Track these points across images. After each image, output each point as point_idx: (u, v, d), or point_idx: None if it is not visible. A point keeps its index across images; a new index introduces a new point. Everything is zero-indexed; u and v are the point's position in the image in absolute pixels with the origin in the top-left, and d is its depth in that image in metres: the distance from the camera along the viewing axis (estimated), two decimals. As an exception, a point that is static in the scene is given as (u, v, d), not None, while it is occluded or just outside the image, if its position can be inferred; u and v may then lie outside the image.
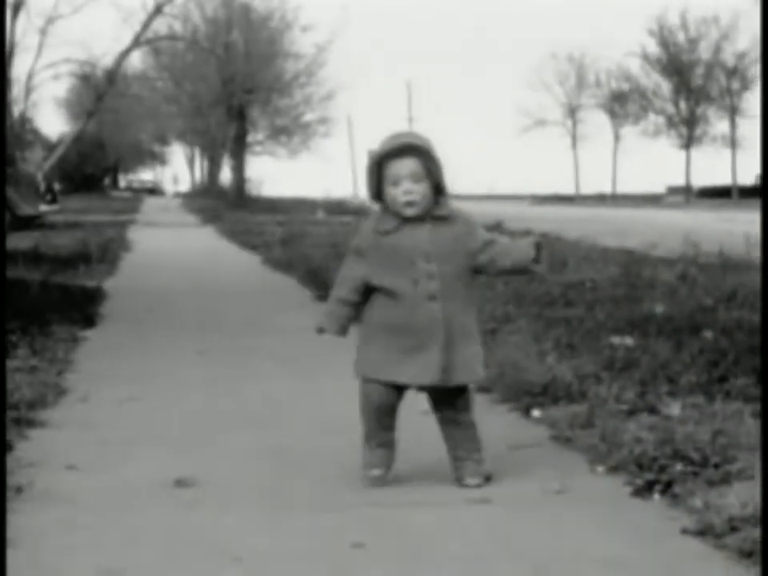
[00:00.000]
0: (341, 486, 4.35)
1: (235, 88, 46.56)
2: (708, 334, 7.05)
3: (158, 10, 37.18)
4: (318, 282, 12.02)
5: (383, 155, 4.20)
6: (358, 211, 36.96)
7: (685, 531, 3.70)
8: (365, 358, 4.28)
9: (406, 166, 4.17)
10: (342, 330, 4.35)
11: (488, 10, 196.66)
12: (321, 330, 4.36)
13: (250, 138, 52.05)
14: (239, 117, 48.99)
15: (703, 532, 3.66)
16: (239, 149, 50.54)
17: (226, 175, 58.13)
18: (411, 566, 3.48)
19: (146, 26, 37.42)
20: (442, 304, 4.17)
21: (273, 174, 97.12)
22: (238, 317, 9.84)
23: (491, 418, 5.25)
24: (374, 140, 4.50)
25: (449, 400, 4.29)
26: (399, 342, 4.19)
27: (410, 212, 4.17)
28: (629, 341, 7.00)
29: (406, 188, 4.16)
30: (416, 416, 4.71)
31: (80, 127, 40.75)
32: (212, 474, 4.53)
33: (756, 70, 68.49)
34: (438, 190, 4.22)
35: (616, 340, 7.04)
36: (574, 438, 4.95)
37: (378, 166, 4.21)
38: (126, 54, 38.01)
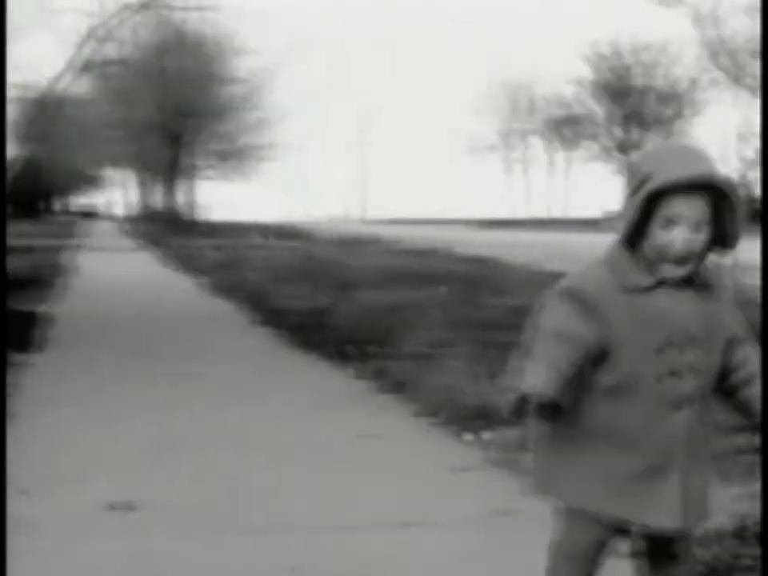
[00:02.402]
0: (286, 507, 4.40)
1: (171, 113, 46.50)
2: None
3: (90, 35, 37.04)
4: (258, 308, 12.14)
5: (670, 186, 2.74)
6: (307, 236, 37.63)
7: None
8: (572, 480, 2.85)
9: (694, 207, 2.76)
10: (563, 396, 2.72)
11: (437, 43, 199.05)
12: (519, 405, 2.77)
13: (188, 163, 51.95)
14: (175, 141, 48.91)
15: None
16: (174, 173, 50.43)
17: (159, 199, 57.96)
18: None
19: (79, 49, 37.26)
20: (687, 413, 2.81)
21: (228, 198, 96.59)
22: (181, 342, 9.85)
23: (434, 442, 5.36)
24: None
25: (675, 547, 2.91)
26: (626, 462, 2.81)
27: (680, 271, 2.78)
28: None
29: (687, 236, 2.76)
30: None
31: (16, 153, 40.45)
32: (160, 497, 4.56)
33: (691, 98, 69.42)
34: (719, 241, 2.84)
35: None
36: (520, 460, 5.02)
37: (650, 199, 2.75)
38: (59, 77, 37.80)
